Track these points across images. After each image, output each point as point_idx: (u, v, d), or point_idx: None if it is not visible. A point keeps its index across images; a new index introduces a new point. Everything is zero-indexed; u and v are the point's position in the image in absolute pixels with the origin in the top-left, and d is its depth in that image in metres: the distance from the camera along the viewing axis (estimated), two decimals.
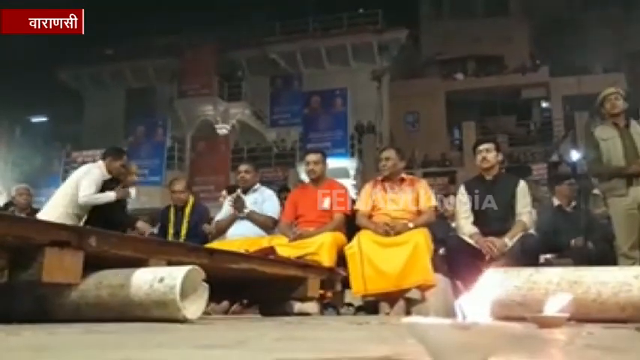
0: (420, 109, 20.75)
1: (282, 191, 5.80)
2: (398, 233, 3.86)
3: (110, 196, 4.60)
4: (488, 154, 4.07)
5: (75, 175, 4.66)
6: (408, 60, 21.21)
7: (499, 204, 3.94)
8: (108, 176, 4.66)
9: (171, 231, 5.08)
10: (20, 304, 2.08)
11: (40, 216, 4.39)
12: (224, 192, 5.85)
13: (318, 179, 4.46)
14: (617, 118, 4.27)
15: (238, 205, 4.54)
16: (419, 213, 4.06)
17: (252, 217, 4.53)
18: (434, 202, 4.17)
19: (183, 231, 5.04)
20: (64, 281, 1.93)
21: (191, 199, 5.34)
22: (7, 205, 6.35)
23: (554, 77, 20.69)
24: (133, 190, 4.83)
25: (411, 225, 3.90)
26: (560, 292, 2.10)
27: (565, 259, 4.57)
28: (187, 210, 5.17)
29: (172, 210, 5.22)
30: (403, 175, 4.22)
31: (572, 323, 2.07)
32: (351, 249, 3.85)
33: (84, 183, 4.51)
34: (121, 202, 4.75)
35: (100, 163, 4.75)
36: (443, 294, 3.93)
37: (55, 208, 4.46)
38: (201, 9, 20.61)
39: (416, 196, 4.09)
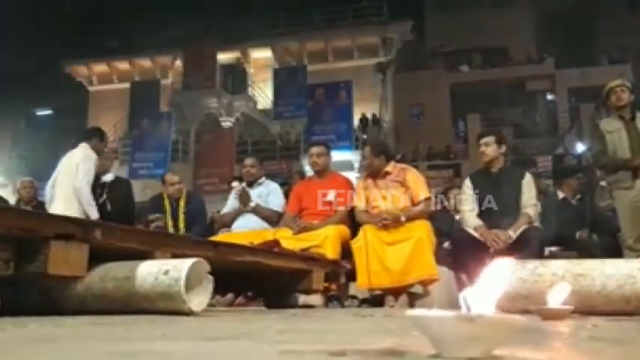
0: (425, 102, 20.69)
1: (282, 185, 5.78)
2: (393, 226, 3.86)
3: (94, 214, 4.58)
4: (487, 148, 4.03)
5: (73, 163, 4.65)
6: (412, 52, 21.13)
7: (503, 199, 3.91)
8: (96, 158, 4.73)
9: (170, 222, 5.02)
10: (26, 297, 2.09)
11: (57, 209, 4.39)
12: (235, 183, 5.82)
13: (321, 172, 4.46)
14: (623, 111, 4.24)
15: (244, 199, 4.55)
16: (415, 206, 4.03)
17: (257, 211, 4.54)
18: (426, 192, 4.09)
19: (181, 223, 4.99)
20: (70, 274, 1.94)
21: (184, 191, 5.27)
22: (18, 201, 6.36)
23: (559, 69, 20.59)
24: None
25: (402, 219, 3.88)
26: (559, 283, 2.10)
27: (570, 252, 4.57)
28: (182, 202, 5.09)
29: (167, 202, 5.12)
30: (388, 168, 4.15)
31: (576, 316, 2.07)
32: (358, 242, 3.86)
33: (82, 169, 4.55)
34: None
35: (87, 145, 4.74)
36: (447, 287, 3.94)
37: (70, 203, 4.47)
38: (205, 1, 20.56)
39: (406, 189, 4.06)
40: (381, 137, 16.59)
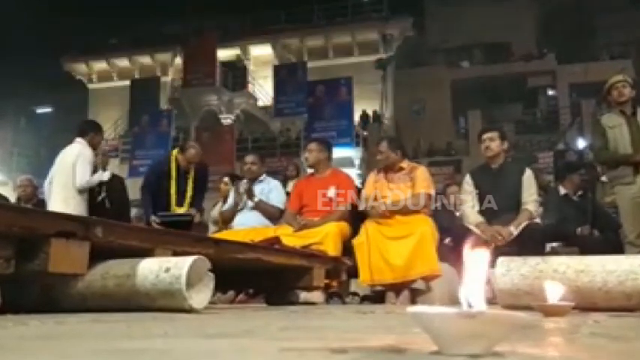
0: (426, 98, 20.66)
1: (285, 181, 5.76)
2: (383, 215, 3.88)
3: (104, 175, 4.71)
4: (492, 143, 4.05)
5: (68, 162, 4.63)
6: (413, 48, 21.09)
7: (504, 195, 3.91)
8: (92, 153, 4.72)
9: (173, 189, 4.86)
10: (27, 295, 2.09)
11: (55, 207, 4.38)
12: (226, 179, 5.77)
13: (315, 168, 4.47)
14: (624, 106, 4.23)
15: (250, 193, 4.57)
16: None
17: (260, 207, 4.55)
18: (427, 188, 4.05)
19: (189, 192, 4.87)
20: (71, 271, 1.94)
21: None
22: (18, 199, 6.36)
23: (560, 65, 20.55)
24: (107, 173, 4.89)
25: (388, 202, 3.90)
26: (552, 280, 2.10)
27: (571, 248, 4.56)
28: (192, 171, 4.96)
29: (174, 167, 4.90)
30: (402, 164, 4.18)
31: (577, 312, 2.07)
32: (359, 239, 3.86)
33: (79, 168, 4.55)
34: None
35: (82, 141, 4.72)
36: (448, 283, 3.93)
37: (68, 203, 4.48)
38: None
39: (413, 183, 4.08)
40: (382, 134, 16.58)
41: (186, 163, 4.92)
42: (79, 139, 4.75)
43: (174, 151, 4.96)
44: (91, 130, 4.83)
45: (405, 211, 3.91)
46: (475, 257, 0.87)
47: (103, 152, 5.15)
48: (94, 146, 4.75)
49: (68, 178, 4.56)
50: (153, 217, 4.68)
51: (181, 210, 4.80)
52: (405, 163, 4.21)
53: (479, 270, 0.86)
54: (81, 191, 4.59)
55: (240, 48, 20.51)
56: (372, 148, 16.50)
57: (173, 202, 4.78)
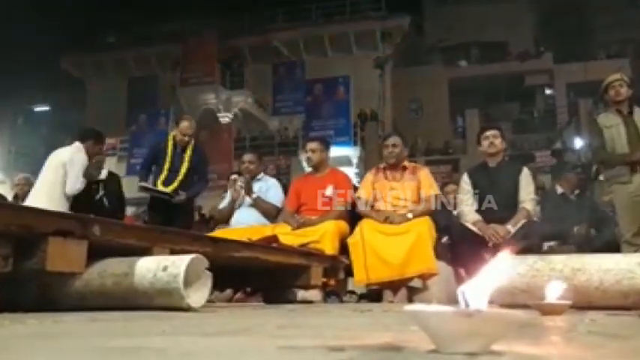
0: (423, 97, 20.68)
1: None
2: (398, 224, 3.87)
3: (81, 180, 4.60)
4: (496, 140, 4.08)
5: (59, 161, 4.52)
6: (411, 47, 21.09)
7: (501, 194, 3.92)
8: (86, 159, 4.61)
9: (167, 165, 4.88)
10: (25, 293, 2.09)
11: (37, 202, 4.31)
12: (234, 176, 5.80)
13: (317, 167, 4.46)
14: (621, 105, 4.24)
15: (248, 188, 4.58)
16: (420, 202, 4.04)
17: (258, 204, 4.55)
18: (436, 190, 4.14)
19: (183, 170, 4.88)
20: (68, 270, 1.94)
21: (192, 142, 5.12)
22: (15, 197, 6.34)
23: (558, 64, 20.56)
24: (104, 171, 4.88)
25: (410, 216, 3.89)
26: (554, 280, 2.10)
27: (568, 247, 4.57)
28: (189, 150, 4.98)
29: (170, 145, 4.95)
30: (405, 164, 4.20)
31: (574, 310, 2.08)
32: (354, 238, 3.85)
33: (72, 174, 4.45)
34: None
35: (80, 145, 4.64)
36: (445, 282, 3.94)
37: (53, 200, 4.40)
38: None
39: (417, 184, 4.08)
40: (379, 133, 16.58)
41: (181, 136, 4.93)
42: (76, 144, 4.65)
43: (173, 132, 5.02)
44: (91, 138, 4.71)
45: (419, 215, 3.92)
46: (499, 261, 0.88)
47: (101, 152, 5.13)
48: (89, 155, 4.62)
49: (56, 177, 4.48)
50: (141, 183, 4.81)
51: (169, 188, 4.79)
52: (406, 162, 4.23)
53: (497, 273, 0.86)
54: (68, 196, 4.52)
55: (239, 46, 20.49)
56: (370, 146, 16.55)
57: (161, 179, 4.85)
